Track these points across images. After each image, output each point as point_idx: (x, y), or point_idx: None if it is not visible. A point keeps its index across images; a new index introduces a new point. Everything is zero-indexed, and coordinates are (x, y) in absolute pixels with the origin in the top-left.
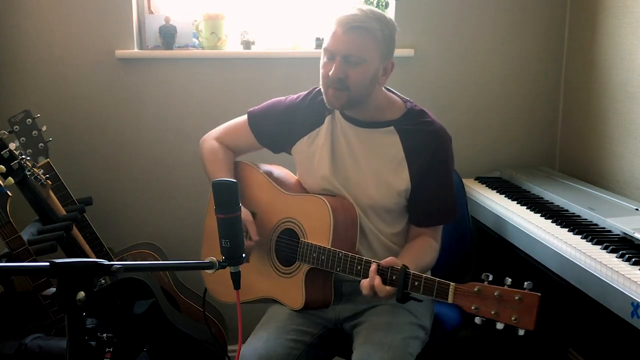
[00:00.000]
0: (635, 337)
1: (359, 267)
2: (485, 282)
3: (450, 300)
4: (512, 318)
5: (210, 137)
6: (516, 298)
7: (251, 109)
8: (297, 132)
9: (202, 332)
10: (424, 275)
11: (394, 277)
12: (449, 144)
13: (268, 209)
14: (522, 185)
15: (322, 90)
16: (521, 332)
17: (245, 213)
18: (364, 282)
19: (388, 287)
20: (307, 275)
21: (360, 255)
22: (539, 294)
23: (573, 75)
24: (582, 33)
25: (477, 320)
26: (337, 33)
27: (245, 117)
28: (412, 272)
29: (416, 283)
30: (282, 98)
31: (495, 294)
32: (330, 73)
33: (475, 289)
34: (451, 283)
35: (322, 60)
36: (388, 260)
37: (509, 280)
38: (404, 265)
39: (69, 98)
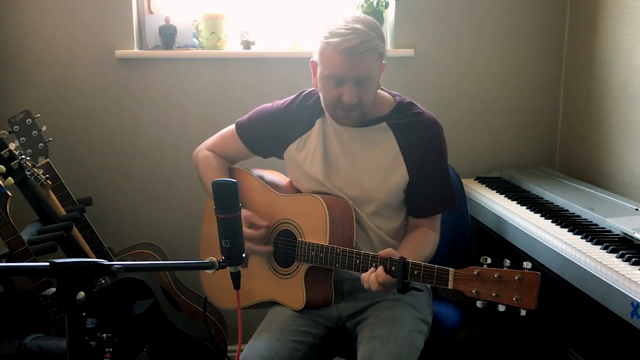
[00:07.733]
0: (635, 337)
1: (357, 262)
2: (484, 266)
3: (450, 285)
4: (514, 299)
5: (203, 148)
6: (516, 278)
7: (239, 119)
8: (287, 137)
9: (202, 332)
10: (423, 263)
11: (392, 268)
12: (441, 132)
13: (264, 213)
14: (522, 185)
15: (325, 110)
16: (523, 313)
17: (243, 210)
18: (364, 276)
19: (388, 276)
20: (307, 275)
21: (358, 250)
22: (539, 273)
23: (573, 75)
24: (582, 33)
25: (479, 304)
26: (344, 61)
27: (233, 126)
28: (410, 261)
29: (415, 272)
30: (269, 105)
31: (495, 275)
32: (344, 99)
33: (475, 273)
34: (450, 269)
35: (325, 84)
36: (386, 251)
37: (507, 262)
38: (401, 256)
39: (69, 98)
